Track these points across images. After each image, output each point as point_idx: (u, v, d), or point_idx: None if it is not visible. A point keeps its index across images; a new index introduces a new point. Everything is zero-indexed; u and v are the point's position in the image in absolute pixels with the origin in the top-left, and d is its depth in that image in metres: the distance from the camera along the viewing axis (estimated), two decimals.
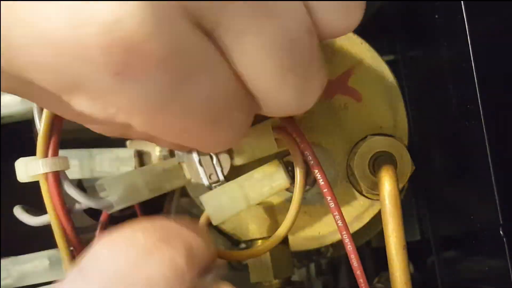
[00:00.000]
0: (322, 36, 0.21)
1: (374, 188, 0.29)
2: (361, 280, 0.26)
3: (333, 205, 0.26)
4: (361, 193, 0.31)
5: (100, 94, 0.18)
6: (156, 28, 0.17)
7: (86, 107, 0.19)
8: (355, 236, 0.33)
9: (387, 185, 0.27)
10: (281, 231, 0.28)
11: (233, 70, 0.20)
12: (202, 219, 0.29)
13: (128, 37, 0.17)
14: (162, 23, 0.17)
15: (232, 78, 0.20)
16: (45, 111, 0.26)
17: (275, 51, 0.20)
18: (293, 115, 0.26)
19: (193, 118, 0.20)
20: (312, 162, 0.27)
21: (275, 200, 0.31)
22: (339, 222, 0.27)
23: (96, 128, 0.25)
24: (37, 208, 0.28)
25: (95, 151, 0.31)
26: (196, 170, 0.29)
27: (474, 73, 0.25)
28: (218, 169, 0.29)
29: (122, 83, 0.18)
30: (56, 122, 0.26)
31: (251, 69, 0.20)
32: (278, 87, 0.21)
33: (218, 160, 0.29)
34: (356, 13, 0.21)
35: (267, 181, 0.28)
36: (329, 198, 0.27)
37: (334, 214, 0.27)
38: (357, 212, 0.32)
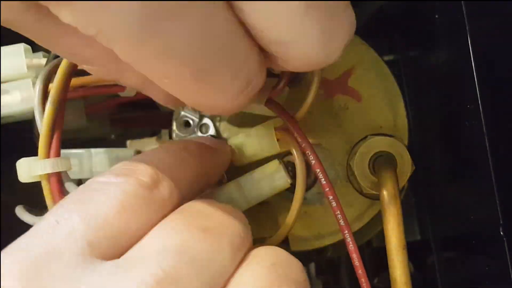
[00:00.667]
0: None
1: (374, 188, 0.29)
2: (363, 280, 0.26)
3: (335, 204, 0.26)
4: (361, 193, 0.31)
5: (84, 9, 0.17)
6: None
7: (72, 20, 0.18)
8: (355, 236, 0.33)
9: (387, 185, 0.27)
10: (283, 230, 0.28)
11: (237, 18, 0.19)
12: None
13: None
14: None
15: (232, 22, 0.19)
16: (46, 111, 0.26)
17: None
18: (317, 68, 0.23)
19: (174, 60, 0.18)
20: (313, 162, 0.27)
21: (275, 200, 0.31)
22: (341, 221, 0.27)
23: (92, 70, 0.24)
24: (37, 208, 0.28)
25: (95, 151, 0.31)
26: None
27: (474, 73, 0.25)
28: None
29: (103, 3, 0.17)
30: (57, 122, 0.26)
31: (266, 11, 0.18)
32: (300, 24, 0.19)
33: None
34: None
35: (267, 181, 0.28)
36: (330, 197, 0.27)
37: (336, 213, 0.27)
38: (357, 212, 0.32)
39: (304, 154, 0.27)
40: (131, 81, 0.23)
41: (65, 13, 0.18)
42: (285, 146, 0.28)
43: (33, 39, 0.22)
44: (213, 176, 0.27)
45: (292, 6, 0.18)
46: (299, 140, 0.27)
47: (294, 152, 0.27)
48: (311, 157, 0.26)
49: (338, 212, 0.26)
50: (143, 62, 0.19)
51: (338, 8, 0.20)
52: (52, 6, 0.18)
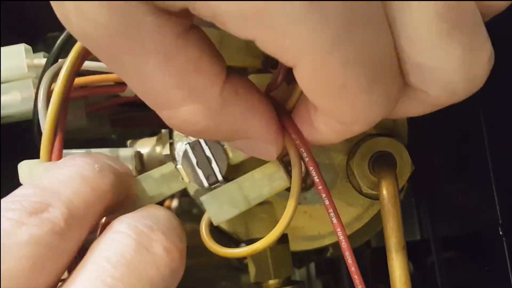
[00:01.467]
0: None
1: (374, 188, 0.29)
2: (356, 277, 0.26)
3: (328, 202, 0.26)
4: (361, 193, 0.31)
5: (285, 21, 0.18)
6: None
7: (265, 42, 0.19)
8: (355, 236, 0.33)
9: (387, 185, 0.27)
10: (279, 228, 0.28)
11: (393, 40, 0.20)
12: (204, 220, 0.29)
13: None
14: None
15: (391, 45, 0.20)
16: (48, 113, 0.26)
17: (442, 7, 0.19)
18: (458, 100, 0.23)
19: (355, 69, 0.19)
20: (307, 159, 0.26)
21: (275, 200, 0.31)
22: (334, 219, 0.26)
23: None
24: None
25: (95, 151, 0.31)
26: (194, 172, 0.29)
27: None
28: (216, 170, 0.29)
29: (311, 10, 0.18)
30: (59, 125, 0.26)
31: (417, 28, 0.19)
32: (443, 47, 0.20)
33: (215, 160, 0.29)
34: None
35: (267, 181, 0.28)
36: (323, 195, 0.26)
37: (329, 211, 0.26)
38: (357, 212, 0.32)
39: (298, 150, 0.27)
40: (233, 117, 0.23)
41: (253, 30, 0.18)
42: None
43: (134, 58, 0.20)
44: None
45: (435, 27, 0.19)
46: (293, 136, 0.26)
47: (287, 147, 0.27)
48: (305, 154, 0.26)
49: (331, 210, 0.26)
50: (327, 74, 0.19)
51: (480, 33, 0.20)
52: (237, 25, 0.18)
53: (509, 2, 0.21)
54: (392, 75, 0.21)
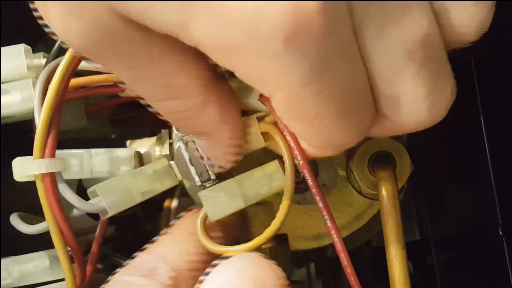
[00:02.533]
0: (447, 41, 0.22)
1: (374, 188, 0.29)
2: (352, 278, 0.26)
3: (322, 205, 0.26)
4: (360, 193, 0.31)
5: (263, 57, 0.19)
6: (326, 5, 0.18)
7: (247, 70, 0.20)
8: (354, 236, 0.33)
9: (386, 185, 0.27)
10: (271, 228, 0.27)
11: (365, 70, 0.21)
12: (199, 216, 0.29)
13: (306, 6, 0.18)
14: (331, 3, 0.19)
15: (364, 77, 0.21)
16: (42, 111, 0.26)
17: (412, 46, 0.20)
18: (422, 128, 0.25)
19: (327, 102, 0.21)
20: (301, 162, 0.26)
21: (276, 200, 0.31)
22: (328, 222, 0.26)
23: (171, 105, 0.24)
24: (37, 208, 0.28)
25: (94, 151, 0.31)
26: (187, 169, 0.29)
27: (474, 73, 0.25)
28: (209, 167, 0.29)
29: (287, 49, 0.19)
30: (54, 122, 0.26)
31: (387, 63, 0.21)
32: (411, 81, 0.21)
33: (208, 158, 0.28)
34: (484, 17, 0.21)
35: (266, 181, 0.28)
36: (317, 198, 0.26)
37: (323, 214, 0.27)
38: (357, 212, 0.32)
39: (292, 153, 0.27)
40: (209, 117, 0.24)
41: (235, 58, 0.20)
42: (271, 140, 0.28)
43: (120, 63, 0.22)
44: None
45: (405, 64, 0.21)
46: (289, 138, 0.26)
47: (279, 144, 0.27)
48: (299, 157, 0.26)
49: (325, 213, 0.26)
50: (300, 105, 0.21)
51: (445, 71, 0.22)
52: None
53: (476, 36, 0.22)
54: (365, 106, 0.22)
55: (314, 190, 0.26)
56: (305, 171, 0.26)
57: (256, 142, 0.27)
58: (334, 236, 0.26)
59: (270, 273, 0.24)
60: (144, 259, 0.27)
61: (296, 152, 0.26)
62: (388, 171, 0.28)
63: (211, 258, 0.27)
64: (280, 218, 0.27)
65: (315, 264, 0.43)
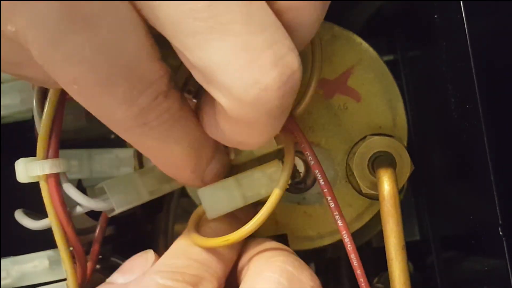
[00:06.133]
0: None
1: (374, 188, 0.29)
2: (362, 280, 0.26)
3: (333, 205, 0.26)
4: (360, 193, 0.31)
5: (7, 8, 0.19)
6: None
7: None
8: (354, 236, 0.33)
9: (386, 185, 0.27)
10: (260, 216, 0.27)
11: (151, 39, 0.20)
12: (195, 212, 0.29)
13: None
14: None
15: (143, 43, 0.20)
16: (45, 112, 0.26)
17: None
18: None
19: (82, 66, 0.19)
20: (312, 162, 0.27)
21: None
22: (339, 222, 0.27)
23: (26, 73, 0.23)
24: (37, 208, 0.28)
25: (94, 151, 0.31)
26: None
27: (474, 73, 0.25)
28: None
29: (24, 6, 0.18)
30: (56, 123, 0.26)
31: (173, 27, 0.19)
32: (205, 46, 0.19)
33: None
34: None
35: (266, 181, 0.28)
36: (329, 198, 0.27)
37: (335, 214, 0.27)
38: (357, 212, 0.32)
39: (303, 154, 0.27)
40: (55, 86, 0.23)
41: None
42: (283, 143, 0.28)
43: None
44: None
45: (191, 25, 0.19)
46: (298, 139, 0.26)
47: (286, 144, 0.27)
48: (310, 158, 0.26)
49: (337, 213, 0.26)
50: (54, 65, 0.20)
51: (262, 35, 0.19)
52: None
53: (314, 14, 0.20)
54: (139, 76, 0.20)
55: (325, 190, 0.26)
56: (317, 171, 0.26)
57: (268, 145, 0.28)
58: (345, 236, 0.26)
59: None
60: (186, 263, 0.26)
61: (307, 152, 0.26)
62: (388, 171, 0.28)
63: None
64: (270, 205, 0.26)
65: (315, 264, 0.43)
